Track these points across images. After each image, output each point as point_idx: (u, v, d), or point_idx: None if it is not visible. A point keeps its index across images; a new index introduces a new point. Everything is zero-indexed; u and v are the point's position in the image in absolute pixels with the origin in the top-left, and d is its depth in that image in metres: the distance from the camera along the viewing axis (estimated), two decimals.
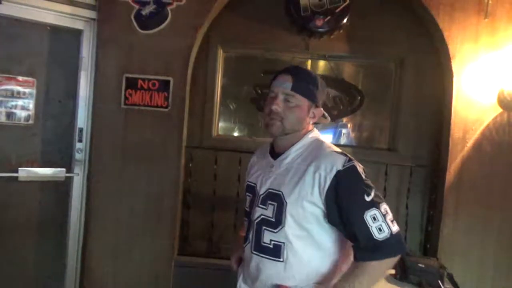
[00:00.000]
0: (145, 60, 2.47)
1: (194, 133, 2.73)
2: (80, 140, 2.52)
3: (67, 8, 2.43)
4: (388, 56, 2.87)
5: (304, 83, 1.23)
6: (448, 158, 2.53)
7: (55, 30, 2.46)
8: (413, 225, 2.70)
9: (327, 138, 1.29)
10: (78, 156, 2.51)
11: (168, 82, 2.47)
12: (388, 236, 1.10)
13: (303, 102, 1.23)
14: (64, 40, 2.50)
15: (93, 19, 2.50)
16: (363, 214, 1.11)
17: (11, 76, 2.36)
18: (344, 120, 2.94)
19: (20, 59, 2.39)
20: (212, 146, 2.71)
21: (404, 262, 2.18)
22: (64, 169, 2.48)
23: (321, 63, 2.92)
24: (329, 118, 1.38)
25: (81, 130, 2.52)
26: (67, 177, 2.49)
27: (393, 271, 2.24)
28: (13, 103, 2.37)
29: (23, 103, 2.39)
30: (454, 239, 2.53)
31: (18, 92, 2.38)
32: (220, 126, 2.94)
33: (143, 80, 2.47)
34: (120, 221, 2.48)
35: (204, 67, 2.71)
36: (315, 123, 1.34)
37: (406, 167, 2.69)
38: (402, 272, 2.18)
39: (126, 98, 2.47)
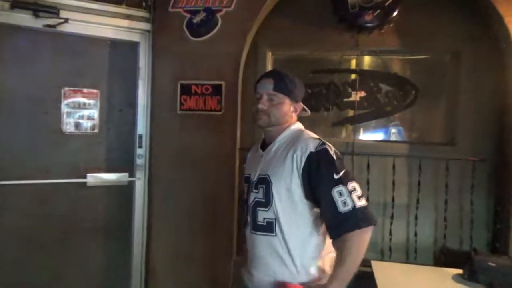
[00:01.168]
0: (198, 66, 2.56)
1: (247, 135, 2.78)
2: (140, 146, 2.65)
3: (125, 22, 2.58)
4: (443, 49, 2.76)
5: (284, 83, 1.43)
6: None
7: (114, 44, 2.62)
8: (479, 223, 2.56)
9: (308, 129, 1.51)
10: (139, 161, 2.65)
11: (220, 86, 2.54)
12: (351, 209, 1.22)
13: (285, 99, 1.44)
14: (122, 52, 2.66)
15: (148, 31, 2.64)
16: (331, 190, 1.25)
17: (77, 89, 2.54)
18: (397, 115, 2.85)
19: (84, 72, 2.57)
20: None
21: (472, 261, 2.08)
22: (127, 174, 2.62)
23: (372, 59, 2.86)
24: (308, 112, 1.56)
25: (140, 136, 2.66)
26: (129, 182, 2.64)
27: (460, 271, 2.15)
28: (80, 114, 2.55)
29: (89, 113, 2.57)
30: None
31: (84, 104, 2.56)
32: None
33: (197, 85, 2.56)
34: (180, 222, 2.57)
35: (254, 70, 2.76)
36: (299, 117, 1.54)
37: (468, 162, 2.56)
38: (471, 271, 2.08)
39: (181, 104, 2.57)
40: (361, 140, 2.86)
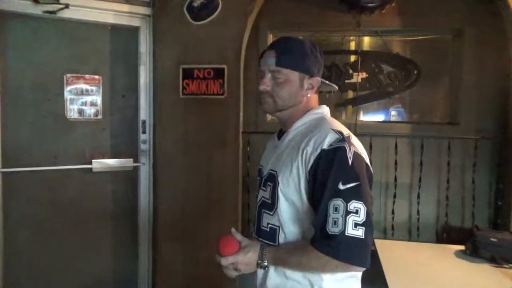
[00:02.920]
0: (200, 50, 2.56)
1: (250, 118, 2.80)
2: (144, 132, 2.67)
3: (125, 7, 2.56)
4: (445, 28, 2.75)
5: (290, 55, 1.13)
6: None
7: (115, 29, 2.61)
8: (481, 200, 2.60)
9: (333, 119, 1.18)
10: (143, 146, 2.67)
11: (222, 70, 2.54)
12: (338, 233, 0.96)
13: (292, 75, 1.13)
14: (123, 38, 2.65)
15: (149, 16, 2.62)
16: (328, 201, 0.99)
17: (79, 75, 2.54)
18: (400, 95, 2.85)
19: (86, 58, 2.56)
20: (268, 130, 2.75)
21: (474, 236, 2.12)
22: (131, 159, 2.65)
23: (373, 40, 2.85)
24: (335, 87, 1.28)
25: (144, 122, 2.67)
26: (134, 167, 2.66)
27: (463, 247, 2.19)
28: (83, 100, 2.55)
29: (92, 99, 2.58)
30: None
31: (87, 90, 2.56)
32: None
33: (199, 69, 2.56)
34: (185, 206, 2.61)
35: (255, 52, 2.75)
36: (321, 93, 1.26)
37: (470, 140, 2.58)
38: (473, 246, 2.11)
39: (184, 88, 2.58)
40: (363, 121, 2.87)
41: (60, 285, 2.59)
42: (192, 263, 2.61)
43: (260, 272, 1.16)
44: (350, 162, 1.01)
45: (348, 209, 0.97)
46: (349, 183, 0.99)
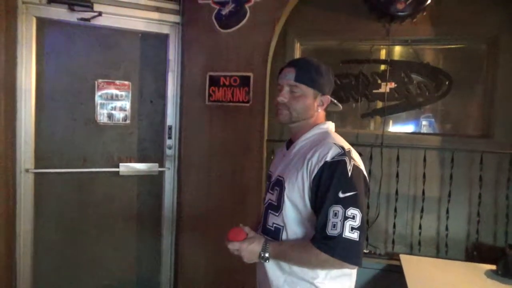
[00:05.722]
0: (227, 57, 2.58)
1: (275, 126, 2.79)
2: (170, 137, 2.71)
3: (155, 15, 2.63)
4: (479, 37, 2.65)
5: (307, 73, 1.28)
6: None
7: (145, 36, 2.68)
8: None
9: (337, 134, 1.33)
10: (168, 151, 2.71)
11: (248, 77, 2.55)
12: (336, 235, 1.10)
13: (308, 91, 1.29)
14: (152, 45, 2.71)
15: (178, 23, 2.67)
16: (329, 207, 1.14)
17: (110, 81, 2.62)
18: (430, 106, 2.77)
19: (117, 64, 2.64)
20: None
21: (506, 256, 2.02)
22: (157, 164, 2.70)
23: (403, 49, 2.78)
24: (340, 106, 1.41)
25: (170, 127, 2.71)
26: (160, 171, 2.71)
27: (494, 267, 2.09)
28: (113, 105, 2.63)
29: (121, 104, 2.65)
30: None
31: (116, 95, 2.64)
32: None
33: (225, 77, 2.58)
34: (209, 211, 2.62)
35: (282, 61, 2.75)
36: (328, 112, 1.42)
37: (505, 154, 2.47)
38: (505, 267, 2.03)
39: (210, 95, 2.60)
40: (391, 132, 2.81)
41: (86, 282, 2.66)
42: (213, 267, 2.63)
43: (261, 265, 1.32)
44: (349, 174, 1.15)
45: (346, 215, 1.12)
46: (348, 192, 1.14)
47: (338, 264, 1.13)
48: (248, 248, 1.26)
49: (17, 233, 2.44)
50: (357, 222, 1.12)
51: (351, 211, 1.12)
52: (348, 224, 1.11)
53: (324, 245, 1.12)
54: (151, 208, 2.76)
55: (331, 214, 1.13)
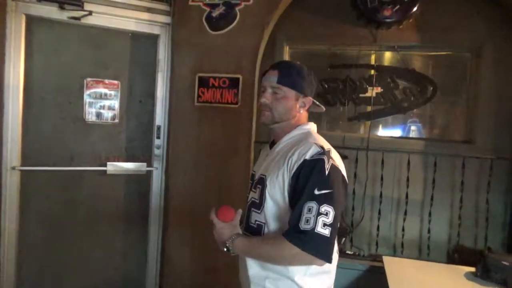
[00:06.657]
0: (216, 59, 2.60)
1: (263, 128, 2.79)
2: (158, 137, 2.72)
3: (146, 15, 2.64)
4: (463, 45, 2.73)
5: (289, 75, 1.32)
6: None
7: (135, 36, 2.68)
8: (495, 222, 2.55)
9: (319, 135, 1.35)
10: (157, 151, 2.72)
11: (237, 79, 2.58)
12: (309, 229, 1.12)
13: (290, 93, 1.32)
14: (143, 45, 2.71)
15: (168, 24, 2.69)
16: (304, 202, 1.15)
17: (99, 79, 2.62)
18: (414, 111, 2.83)
19: (106, 64, 2.64)
20: None
21: (485, 258, 2.07)
22: (145, 164, 2.70)
23: (390, 55, 2.84)
24: (322, 107, 1.45)
25: (159, 127, 2.72)
26: (148, 171, 2.71)
27: (473, 269, 2.14)
28: (101, 104, 2.63)
29: (110, 103, 2.65)
30: None
31: (105, 94, 2.64)
32: None
33: (214, 78, 2.60)
34: (195, 211, 2.63)
35: (271, 63, 2.77)
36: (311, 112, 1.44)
37: (486, 160, 2.54)
38: (484, 269, 2.08)
39: (199, 96, 2.62)
40: (377, 135, 2.86)
41: (71, 282, 2.65)
42: (199, 266, 2.64)
43: (243, 263, 1.34)
44: (327, 172, 1.18)
45: (320, 211, 1.13)
46: (324, 190, 1.16)
47: (308, 259, 1.15)
48: (218, 230, 1.31)
49: (1, 232, 2.42)
50: (330, 219, 1.13)
51: (325, 207, 1.14)
52: (321, 220, 1.13)
53: (296, 238, 1.13)
54: (138, 208, 2.76)
55: (305, 209, 1.14)
